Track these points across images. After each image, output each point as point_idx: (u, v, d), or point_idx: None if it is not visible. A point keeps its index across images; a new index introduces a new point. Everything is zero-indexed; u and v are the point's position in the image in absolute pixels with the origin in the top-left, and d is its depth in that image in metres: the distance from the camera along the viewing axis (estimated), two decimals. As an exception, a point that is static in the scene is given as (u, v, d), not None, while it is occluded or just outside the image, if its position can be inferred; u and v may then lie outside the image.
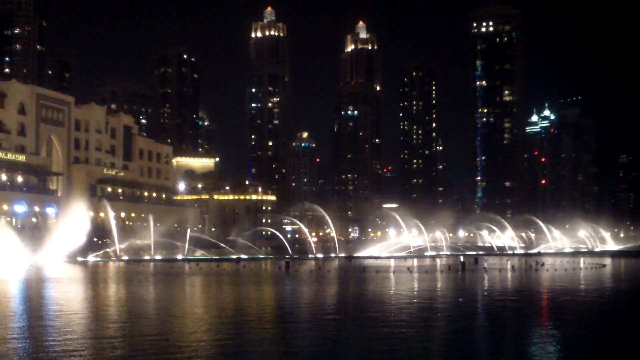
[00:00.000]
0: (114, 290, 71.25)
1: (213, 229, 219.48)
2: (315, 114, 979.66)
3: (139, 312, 49.85)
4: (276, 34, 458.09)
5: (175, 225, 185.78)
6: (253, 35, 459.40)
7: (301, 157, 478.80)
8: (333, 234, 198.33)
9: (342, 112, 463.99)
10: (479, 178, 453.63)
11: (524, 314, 48.86)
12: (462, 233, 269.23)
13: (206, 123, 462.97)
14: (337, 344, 36.25)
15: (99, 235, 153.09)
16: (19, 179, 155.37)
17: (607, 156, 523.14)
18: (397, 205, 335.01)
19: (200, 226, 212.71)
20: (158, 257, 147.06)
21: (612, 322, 45.95)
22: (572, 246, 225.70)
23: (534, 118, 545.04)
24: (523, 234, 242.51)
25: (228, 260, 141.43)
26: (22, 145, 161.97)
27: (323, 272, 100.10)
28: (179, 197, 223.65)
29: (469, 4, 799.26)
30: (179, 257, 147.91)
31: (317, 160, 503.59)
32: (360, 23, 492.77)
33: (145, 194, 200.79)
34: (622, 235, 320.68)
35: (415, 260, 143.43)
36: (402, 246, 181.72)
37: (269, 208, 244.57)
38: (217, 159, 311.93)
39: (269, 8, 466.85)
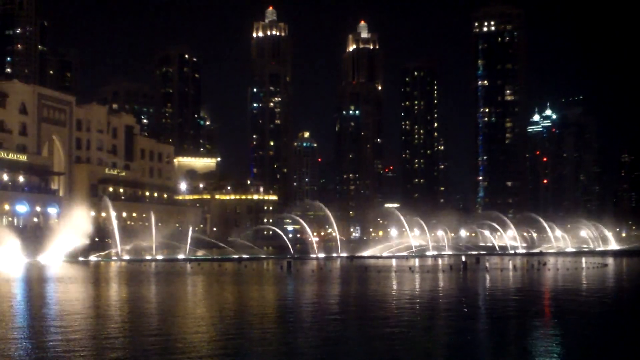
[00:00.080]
0: (116, 290, 71.23)
1: (215, 229, 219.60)
2: (316, 113, 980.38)
3: (140, 311, 49.82)
4: (278, 33, 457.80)
5: (177, 225, 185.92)
6: (254, 35, 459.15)
7: (303, 157, 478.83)
8: (335, 233, 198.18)
9: (344, 112, 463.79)
10: (480, 178, 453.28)
11: (526, 314, 48.76)
12: (463, 233, 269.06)
13: (207, 123, 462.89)
14: (339, 343, 36.18)
15: (100, 235, 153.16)
16: (21, 178, 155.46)
17: (609, 156, 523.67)
18: (398, 205, 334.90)
19: (201, 226, 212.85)
20: (159, 257, 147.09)
21: (613, 321, 45.85)
22: (574, 246, 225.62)
23: (536, 117, 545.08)
24: (525, 234, 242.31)
25: (230, 260, 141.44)
26: (23, 145, 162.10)
27: (325, 272, 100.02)
28: (180, 197, 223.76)
29: (471, 3, 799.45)
30: (181, 257, 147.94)
31: (319, 160, 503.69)
32: (362, 23, 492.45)
33: (147, 193, 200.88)
34: (624, 234, 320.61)
35: (416, 260, 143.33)
36: (405, 246, 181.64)
37: (271, 208, 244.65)
38: (219, 159, 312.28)
39: (271, 8, 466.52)
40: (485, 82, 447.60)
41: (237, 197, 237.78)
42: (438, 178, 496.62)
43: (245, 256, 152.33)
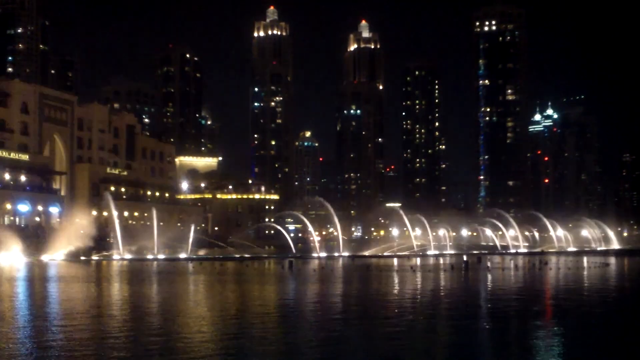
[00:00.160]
0: (118, 289, 71.23)
1: (216, 228, 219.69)
2: (318, 113, 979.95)
3: (142, 311, 49.81)
4: (279, 33, 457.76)
5: (178, 224, 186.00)
6: (256, 34, 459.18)
7: (304, 156, 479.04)
8: (337, 232, 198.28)
9: (345, 111, 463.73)
10: (482, 177, 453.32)
11: (527, 313, 48.71)
12: (465, 232, 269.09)
13: (209, 122, 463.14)
14: (340, 343, 36.15)
15: (102, 234, 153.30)
16: (22, 178, 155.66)
17: (610, 155, 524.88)
18: (400, 205, 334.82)
19: (203, 225, 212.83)
20: (161, 256, 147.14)
21: (615, 321, 45.80)
22: (575, 245, 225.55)
23: (537, 117, 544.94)
24: (527, 233, 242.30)
25: (232, 259, 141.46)
26: (25, 144, 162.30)
27: (326, 271, 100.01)
28: (181, 197, 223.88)
29: (472, 3, 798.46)
30: (182, 256, 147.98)
31: (320, 159, 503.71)
32: (363, 22, 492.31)
33: (148, 193, 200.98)
34: (625, 234, 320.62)
35: (418, 259, 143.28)
36: (407, 246, 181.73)
37: (272, 207, 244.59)
38: (220, 158, 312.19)
39: (272, 7, 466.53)
40: (487, 81, 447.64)
41: (239, 196, 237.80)
42: (439, 177, 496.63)
43: (247, 255, 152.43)
